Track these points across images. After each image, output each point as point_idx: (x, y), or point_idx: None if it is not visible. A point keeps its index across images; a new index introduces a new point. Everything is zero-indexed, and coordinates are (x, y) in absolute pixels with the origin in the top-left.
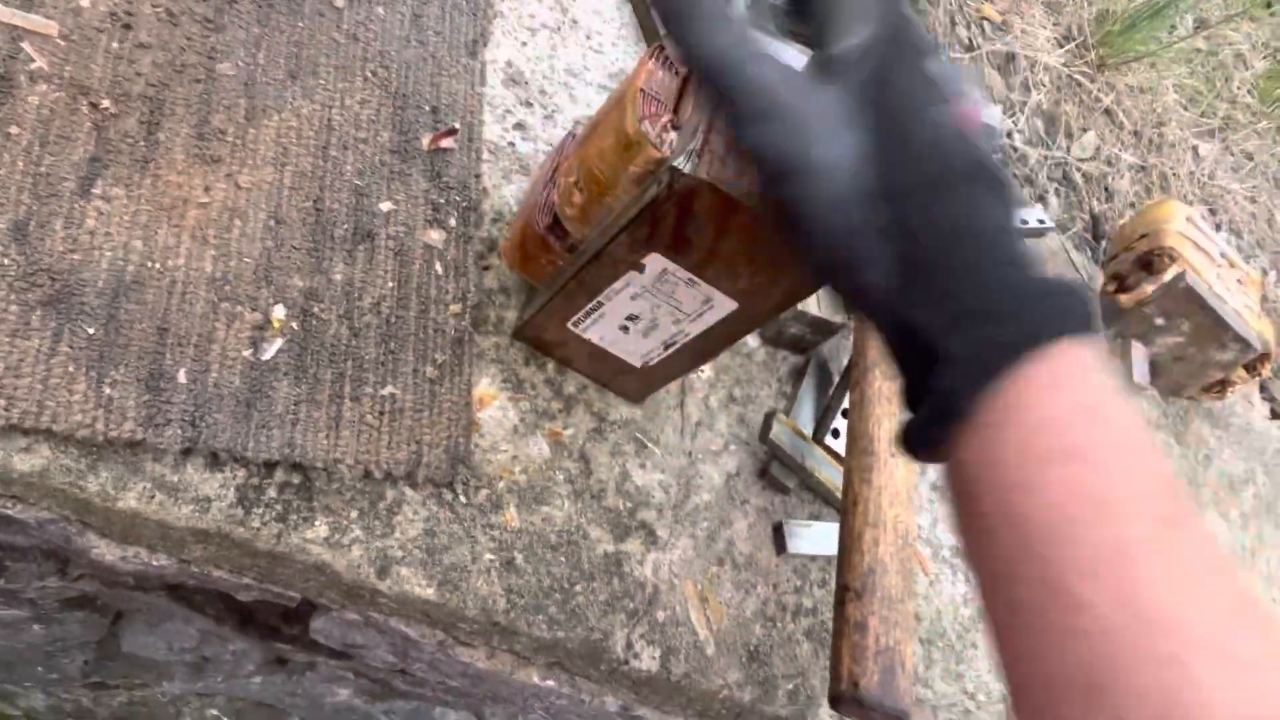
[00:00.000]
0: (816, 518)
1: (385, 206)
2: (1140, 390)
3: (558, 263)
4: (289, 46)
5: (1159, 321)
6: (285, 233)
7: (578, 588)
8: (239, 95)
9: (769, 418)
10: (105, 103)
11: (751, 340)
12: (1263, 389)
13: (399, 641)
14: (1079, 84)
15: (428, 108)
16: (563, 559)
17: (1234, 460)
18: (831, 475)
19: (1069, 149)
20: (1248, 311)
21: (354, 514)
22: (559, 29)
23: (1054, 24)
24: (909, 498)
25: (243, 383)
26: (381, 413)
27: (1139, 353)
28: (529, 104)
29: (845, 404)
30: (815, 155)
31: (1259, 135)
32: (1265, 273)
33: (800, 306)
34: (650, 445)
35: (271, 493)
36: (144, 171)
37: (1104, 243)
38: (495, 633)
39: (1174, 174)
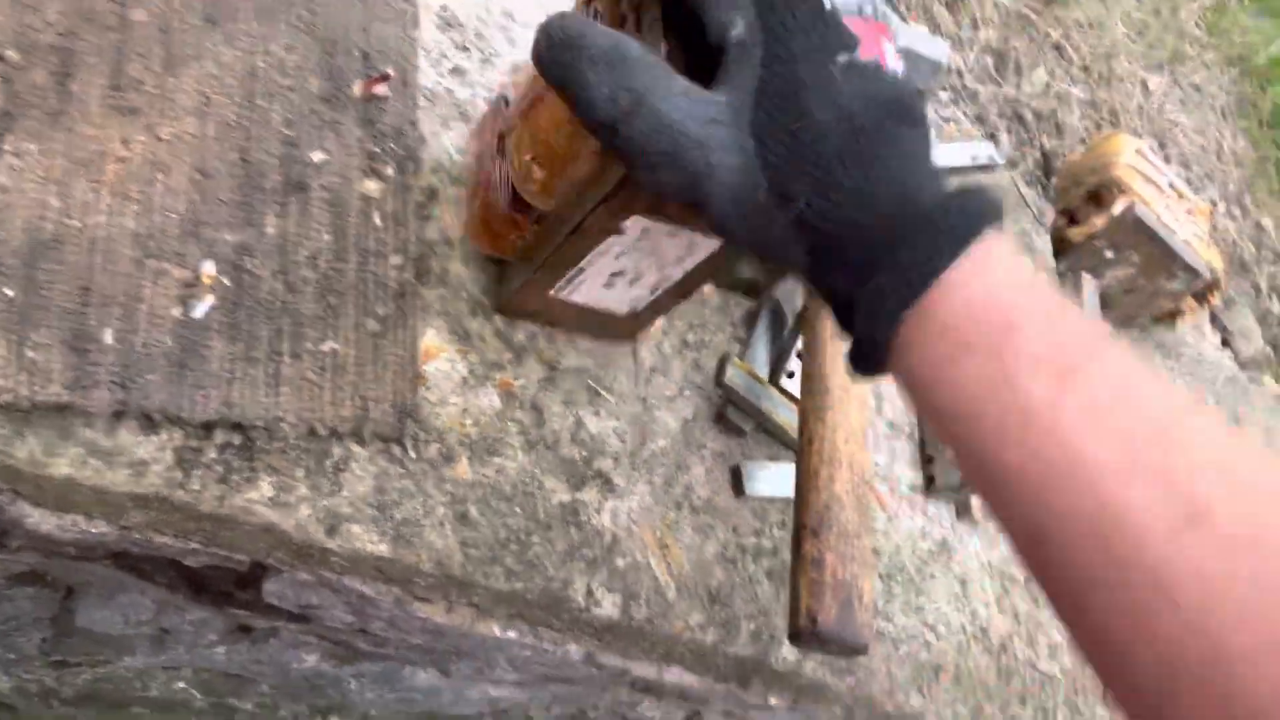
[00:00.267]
0: (774, 459)
1: (317, 157)
2: None
3: (526, 236)
4: None
5: (1109, 254)
6: (211, 186)
7: (535, 538)
8: (155, 43)
9: (723, 361)
10: (11, 53)
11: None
12: (1214, 318)
13: (355, 600)
14: (1028, 19)
15: (358, 53)
16: (518, 510)
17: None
18: (788, 417)
19: (1019, 85)
20: (1197, 241)
21: (299, 472)
22: None
23: None
24: (863, 435)
25: (174, 342)
26: (323, 369)
27: (1090, 285)
28: (465, 48)
29: (799, 346)
30: (715, 178)
31: (1206, 67)
32: (1214, 204)
33: None
34: (604, 393)
35: (211, 454)
36: (57, 125)
37: (1054, 179)
38: (452, 586)
39: (1123, 108)
